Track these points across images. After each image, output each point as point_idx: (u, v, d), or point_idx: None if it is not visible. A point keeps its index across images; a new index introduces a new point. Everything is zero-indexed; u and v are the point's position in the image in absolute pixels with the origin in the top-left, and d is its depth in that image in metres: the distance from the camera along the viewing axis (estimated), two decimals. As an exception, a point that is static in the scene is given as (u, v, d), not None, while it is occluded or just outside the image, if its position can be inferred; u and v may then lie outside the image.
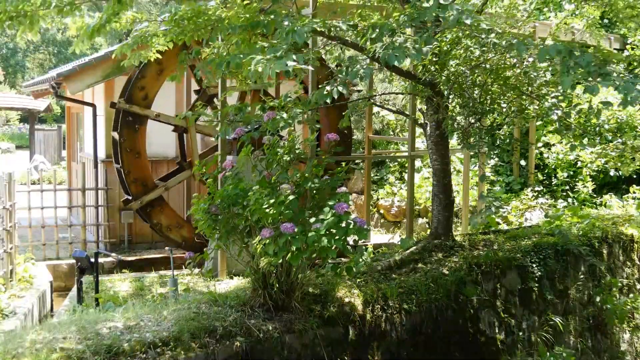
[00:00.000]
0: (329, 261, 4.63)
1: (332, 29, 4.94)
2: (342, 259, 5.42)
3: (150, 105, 9.33)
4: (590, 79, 3.92)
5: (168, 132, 10.28)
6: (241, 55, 4.37)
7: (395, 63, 4.28)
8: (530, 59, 5.52)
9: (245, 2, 5.20)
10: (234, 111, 5.74)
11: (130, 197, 9.24)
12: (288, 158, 5.03)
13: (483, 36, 4.96)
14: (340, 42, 5.84)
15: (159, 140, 10.84)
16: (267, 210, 4.49)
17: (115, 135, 9.41)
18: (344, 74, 4.59)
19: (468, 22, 4.38)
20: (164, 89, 9.68)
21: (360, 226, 4.43)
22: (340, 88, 4.48)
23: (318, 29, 4.60)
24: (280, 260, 4.53)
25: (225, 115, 6.00)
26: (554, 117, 5.74)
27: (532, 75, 5.98)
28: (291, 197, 4.58)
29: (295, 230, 4.33)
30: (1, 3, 4.51)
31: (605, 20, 13.73)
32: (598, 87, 3.91)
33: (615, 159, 8.35)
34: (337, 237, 4.33)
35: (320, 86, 4.55)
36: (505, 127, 8.13)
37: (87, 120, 12.34)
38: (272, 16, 4.74)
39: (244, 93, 9.69)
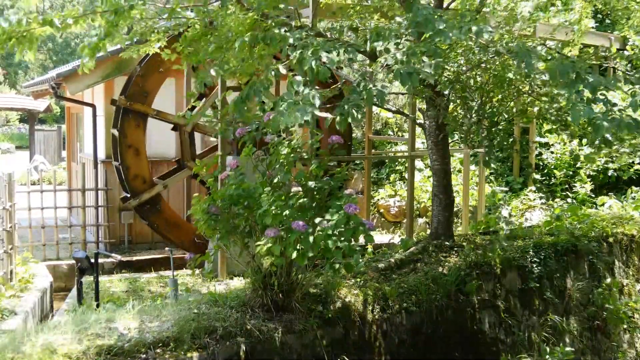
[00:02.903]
0: (334, 263, 4.60)
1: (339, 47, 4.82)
2: (344, 259, 5.41)
3: (152, 182, 9.55)
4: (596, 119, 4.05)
5: (168, 131, 10.27)
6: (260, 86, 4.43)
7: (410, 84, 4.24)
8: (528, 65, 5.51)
9: (244, 12, 5.19)
10: (233, 110, 5.73)
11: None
12: (291, 159, 5.02)
13: (486, 36, 4.94)
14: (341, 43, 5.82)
15: (159, 140, 10.84)
16: (275, 211, 4.47)
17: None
18: (357, 94, 4.44)
19: (474, 28, 4.39)
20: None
21: (370, 227, 4.42)
22: (355, 112, 4.35)
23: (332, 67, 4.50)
24: (284, 261, 4.52)
25: (225, 114, 6.00)
26: (552, 117, 5.76)
27: (532, 75, 5.97)
28: (302, 200, 4.56)
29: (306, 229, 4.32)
30: (1, 26, 4.53)
31: (607, 21, 13.75)
32: (603, 126, 4.04)
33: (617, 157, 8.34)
34: (343, 239, 4.32)
35: (336, 105, 4.48)
36: (503, 123, 8.12)
37: (87, 120, 12.33)
38: (274, 30, 4.73)
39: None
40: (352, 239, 4.39)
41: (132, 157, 9.32)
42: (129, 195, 9.42)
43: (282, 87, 9.74)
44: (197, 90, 5.73)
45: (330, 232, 4.31)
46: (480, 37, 4.50)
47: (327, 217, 4.44)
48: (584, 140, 11.15)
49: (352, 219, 4.40)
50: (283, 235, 4.42)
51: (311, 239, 4.31)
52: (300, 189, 4.87)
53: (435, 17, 4.41)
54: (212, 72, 5.31)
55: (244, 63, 5.14)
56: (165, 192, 10.76)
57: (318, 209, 4.76)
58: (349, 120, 4.33)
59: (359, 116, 4.30)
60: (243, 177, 5.02)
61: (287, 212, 4.45)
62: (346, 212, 4.39)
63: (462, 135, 6.59)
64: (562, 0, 9.34)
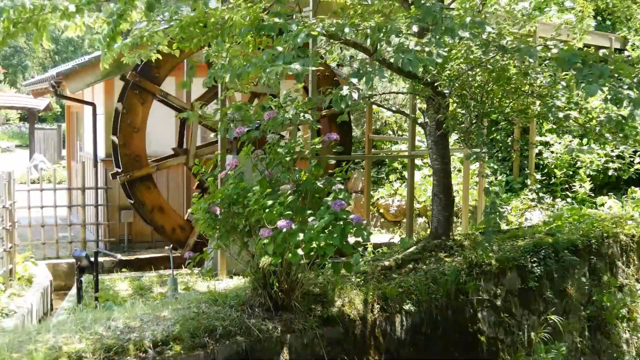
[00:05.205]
0: (329, 260, 4.59)
1: (334, 31, 4.85)
2: (344, 258, 5.41)
3: (190, 226, 9.50)
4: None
5: (168, 130, 10.28)
6: (249, 66, 4.40)
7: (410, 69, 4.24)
8: (532, 60, 5.52)
9: (249, 4, 5.18)
10: (233, 110, 5.73)
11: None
12: (289, 158, 5.02)
13: (485, 36, 4.95)
14: (342, 42, 5.82)
15: (159, 139, 10.83)
16: (267, 210, 4.47)
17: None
18: (356, 79, 4.44)
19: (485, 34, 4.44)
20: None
21: (358, 222, 4.37)
22: (355, 94, 4.37)
23: (319, 32, 4.53)
24: (281, 260, 4.52)
25: (225, 114, 6.00)
26: (560, 115, 5.76)
27: (532, 75, 5.97)
28: (290, 198, 4.55)
29: (293, 227, 4.30)
30: (5, 12, 4.51)
31: (608, 22, 13.76)
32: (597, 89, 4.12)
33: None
34: (334, 235, 4.29)
35: (330, 91, 4.50)
36: (502, 123, 8.13)
37: (87, 119, 12.34)
38: (276, 19, 4.72)
39: (255, 94, 9.76)
40: (343, 235, 4.36)
41: (158, 215, 9.39)
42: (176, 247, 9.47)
43: (283, 88, 9.78)
44: (205, 86, 5.70)
45: (320, 229, 4.29)
46: (483, 31, 4.53)
47: (318, 214, 4.42)
48: (584, 140, 11.15)
49: (339, 216, 4.37)
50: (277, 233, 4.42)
51: (301, 236, 4.27)
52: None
53: (442, 15, 4.42)
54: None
55: (249, 56, 5.13)
56: (166, 193, 10.77)
57: (317, 208, 4.76)
58: (349, 102, 4.32)
59: (352, 97, 4.32)
60: (242, 177, 5.02)
61: (275, 211, 4.43)
62: (333, 209, 4.35)
63: (461, 135, 6.58)
64: (556, 1, 9.36)
